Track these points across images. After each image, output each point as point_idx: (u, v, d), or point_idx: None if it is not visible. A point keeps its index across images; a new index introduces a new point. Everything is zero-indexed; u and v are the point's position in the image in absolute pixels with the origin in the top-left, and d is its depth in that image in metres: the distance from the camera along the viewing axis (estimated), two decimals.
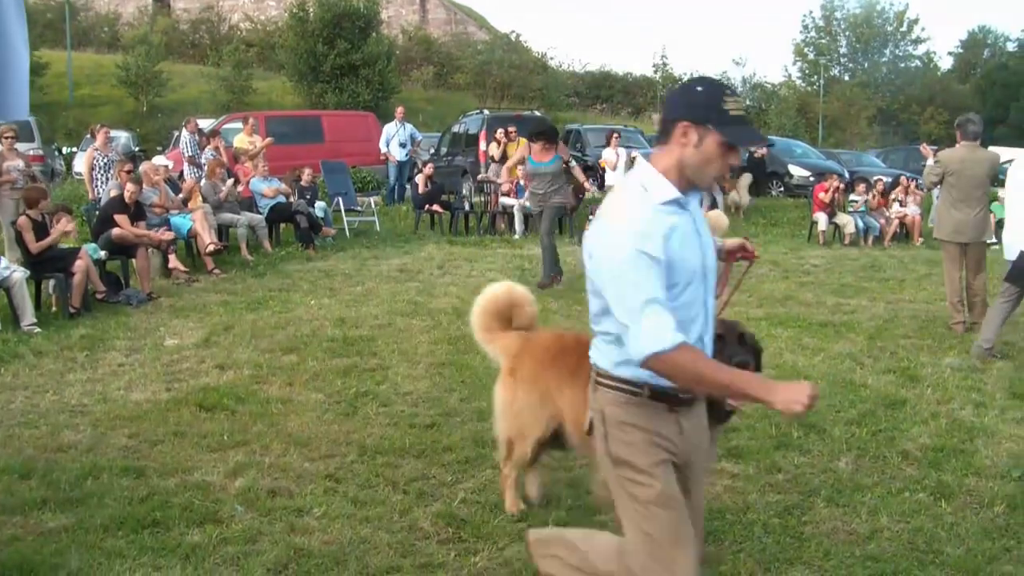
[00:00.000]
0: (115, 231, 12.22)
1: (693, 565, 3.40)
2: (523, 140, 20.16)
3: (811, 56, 67.09)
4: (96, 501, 5.36)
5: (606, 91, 63.26)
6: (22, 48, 4.05)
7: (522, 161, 14.85)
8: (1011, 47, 68.51)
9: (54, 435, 6.59)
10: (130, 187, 12.65)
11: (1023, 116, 57.67)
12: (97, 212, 13.48)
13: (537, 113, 28.72)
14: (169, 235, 12.99)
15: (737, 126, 3.30)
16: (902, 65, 66.58)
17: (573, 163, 16.77)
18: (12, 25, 3.97)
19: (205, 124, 23.82)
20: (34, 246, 10.84)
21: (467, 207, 20.03)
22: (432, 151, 27.52)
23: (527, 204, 18.50)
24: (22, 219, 11.01)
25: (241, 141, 18.93)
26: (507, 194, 18.81)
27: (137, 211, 12.71)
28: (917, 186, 21.70)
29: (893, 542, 5.04)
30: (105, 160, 15.70)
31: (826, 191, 19.02)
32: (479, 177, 21.16)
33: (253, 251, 15.25)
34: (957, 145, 10.54)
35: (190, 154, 18.46)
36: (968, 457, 6.32)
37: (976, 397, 7.74)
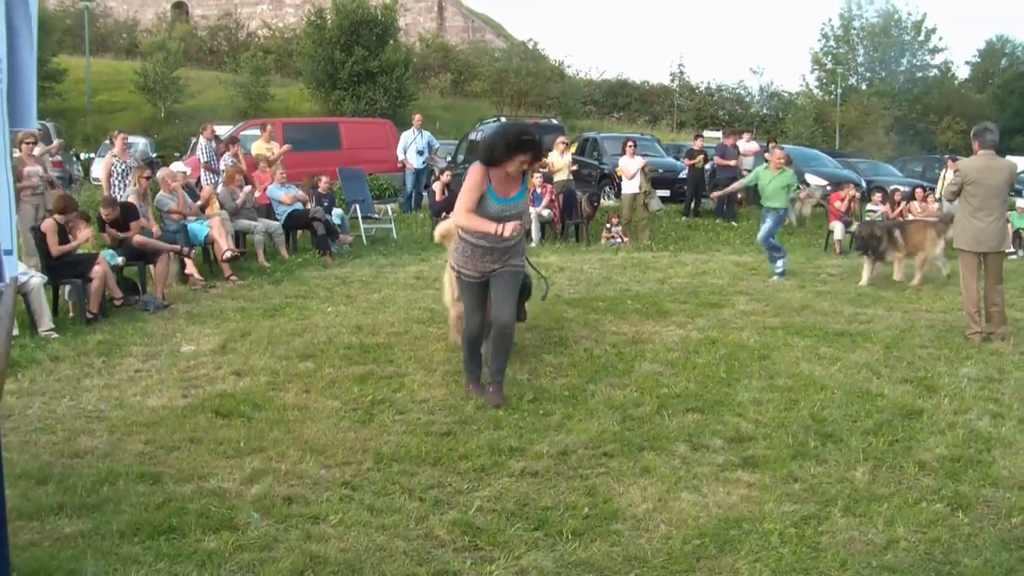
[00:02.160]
0: (136, 238, 12.27)
1: None
2: None
3: (829, 65, 66.95)
4: (112, 507, 5.37)
5: (623, 99, 63.34)
6: (29, 57, 4.06)
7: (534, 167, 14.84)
8: None
9: (70, 441, 6.61)
10: (104, 210, 12.62)
11: None
12: None
13: (554, 121, 28.71)
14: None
15: None
16: (919, 74, 66.37)
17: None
18: (21, 34, 3.98)
19: (222, 130, 23.90)
20: (56, 249, 10.88)
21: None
22: (449, 159, 27.54)
23: (544, 213, 18.55)
24: (48, 222, 11.06)
25: (259, 148, 19.00)
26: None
27: (130, 213, 12.70)
28: (935, 197, 21.68)
29: (910, 553, 5.02)
30: (123, 166, 15.79)
31: (842, 200, 18.98)
32: None
33: (270, 258, 15.29)
34: (975, 154, 10.52)
35: (206, 160, 18.52)
36: (986, 468, 6.30)
37: (993, 407, 7.70)
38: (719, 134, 26.19)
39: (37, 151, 15.15)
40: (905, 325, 11.06)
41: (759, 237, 15.50)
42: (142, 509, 5.35)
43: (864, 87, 65.30)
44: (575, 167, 21.94)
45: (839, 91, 62.16)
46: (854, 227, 18.85)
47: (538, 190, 18.58)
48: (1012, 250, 19.26)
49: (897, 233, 14.44)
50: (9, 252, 3.79)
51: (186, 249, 13.09)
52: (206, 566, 4.71)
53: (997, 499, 5.77)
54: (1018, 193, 23.84)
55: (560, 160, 20.41)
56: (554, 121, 28.54)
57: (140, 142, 33.18)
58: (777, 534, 5.19)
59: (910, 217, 19.76)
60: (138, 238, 12.26)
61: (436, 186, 19.85)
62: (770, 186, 15.13)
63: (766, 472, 6.16)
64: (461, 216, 7.28)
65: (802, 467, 6.26)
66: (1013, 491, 5.88)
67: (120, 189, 15.32)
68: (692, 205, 23.81)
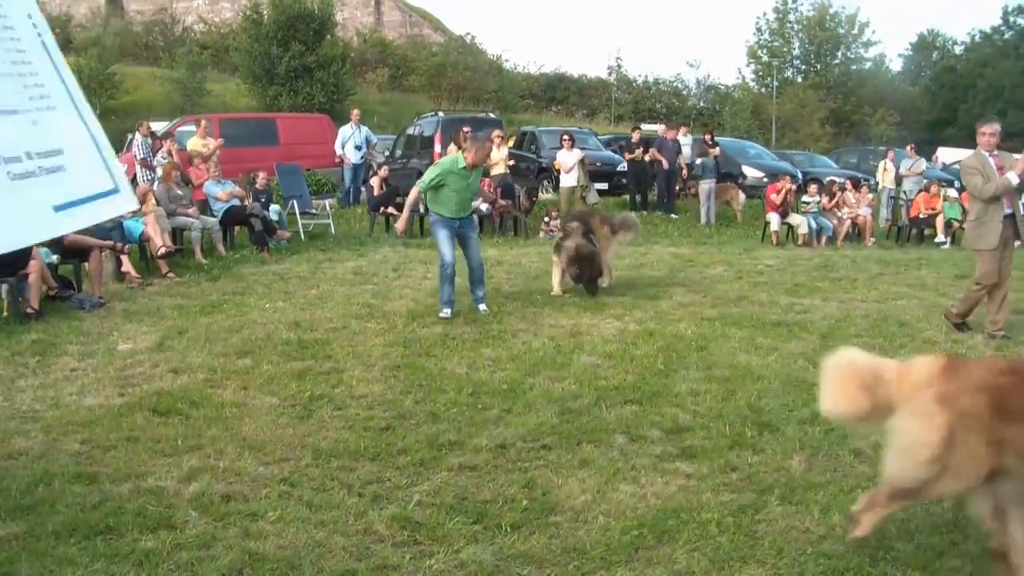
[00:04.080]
0: (68, 236, 12.08)
1: None
2: None
3: (764, 58, 67.48)
4: (48, 508, 5.30)
5: (561, 93, 63.39)
6: None
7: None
8: (959, 50, 69.46)
9: (4, 442, 6.51)
10: None
11: (971, 118, 58.35)
12: None
13: (492, 115, 28.71)
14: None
15: None
16: (854, 67, 67.10)
17: None
18: None
19: (159, 127, 23.66)
20: None
21: (422, 210, 19.97)
22: (387, 153, 27.48)
23: (482, 207, 18.55)
24: None
25: (195, 144, 18.84)
26: None
27: None
28: (869, 187, 22.02)
29: (845, 539, 5.09)
30: None
31: (778, 192, 19.16)
32: None
33: (207, 254, 15.16)
34: None
35: (142, 157, 18.36)
36: None
37: None
38: (656, 127, 26.29)
39: None
40: (841, 315, 11.19)
41: (476, 264, 11.24)
42: (78, 509, 5.30)
43: (800, 80, 65.92)
44: (512, 161, 21.92)
45: (775, 84, 62.70)
46: (789, 218, 19.12)
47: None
48: (943, 239, 19.65)
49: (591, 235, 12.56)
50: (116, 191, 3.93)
51: (119, 244, 12.91)
52: (144, 566, 4.67)
53: None
54: (950, 184, 24.27)
55: (497, 154, 20.40)
56: (492, 115, 28.55)
57: None
58: (715, 523, 5.24)
59: (846, 209, 20.06)
60: (69, 236, 12.07)
61: (374, 181, 19.79)
62: (471, 188, 11.27)
63: (704, 462, 6.22)
64: None
65: (739, 457, 6.32)
66: None
67: None
68: (637, 198, 23.87)
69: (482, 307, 11.12)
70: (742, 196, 22.67)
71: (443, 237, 10.97)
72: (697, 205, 22.85)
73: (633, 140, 24.04)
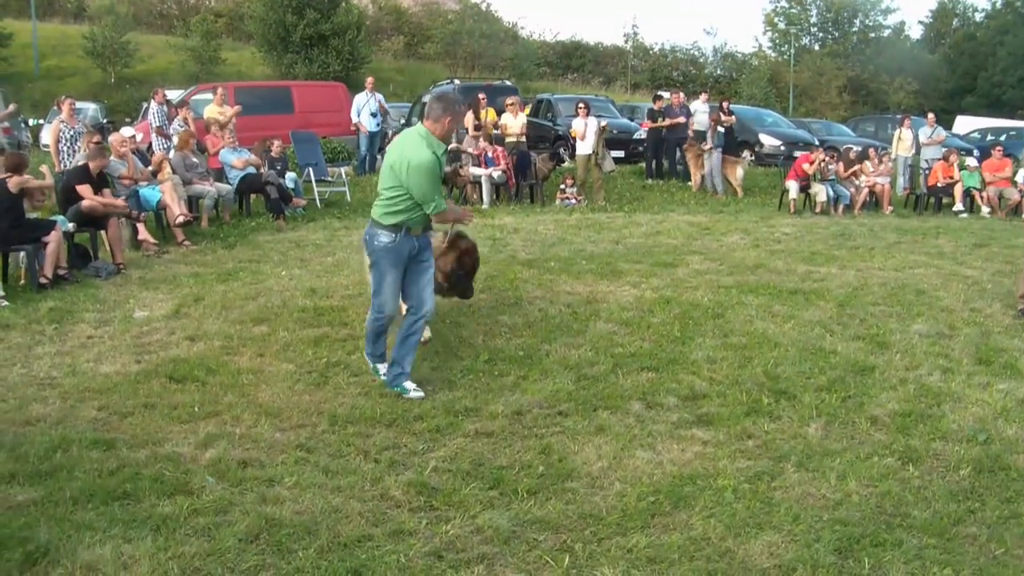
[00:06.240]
0: (84, 202, 12.10)
1: None
2: (491, 109, 20.24)
3: (781, 26, 67.14)
4: (65, 474, 5.33)
5: (577, 60, 63.22)
6: None
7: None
8: (979, 17, 68.92)
9: (22, 408, 6.54)
10: (96, 159, 12.48)
11: (991, 86, 58.05)
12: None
13: (508, 83, 28.60)
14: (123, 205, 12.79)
15: None
16: (872, 35, 66.72)
17: None
18: None
19: (174, 95, 23.62)
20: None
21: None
22: (402, 121, 27.39)
23: (495, 174, 18.52)
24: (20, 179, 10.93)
25: (211, 111, 18.78)
26: (476, 164, 18.74)
27: (100, 181, 12.54)
28: (890, 156, 21.84)
29: (861, 506, 5.09)
30: (71, 132, 15.56)
31: (811, 163, 18.93)
32: (449, 147, 21.08)
33: (219, 222, 15.18)
34: None
35: (158, 125, 18.34)
36: (935, 422, 6.39)
37: (943, 363, 7.80)
38: (664, 94, 26.00)
39: None
40: (858, 283, 11.14)
41: (428, 309, 7.11)
42: (96, 475, 5.32)
43: (817, 47, 65.59)
44: (526, 130, 21.78)
45: (792, 52, 62.39)
46: (812, 188, 18.97)
47: (489, 153, 18.55)
48: (961, 208, 19.49)
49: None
50: None
51: (135, 212, 12.92)
52: (161, 531, 4.69)
53: (946, 452, 5.86)
54: (968, 152, 24.03)
55: (513, 121, 20.33)
56: (508, 83, 28.43)
57: (90, 108, 32.82)
58: (731, 490, 5.24)
59: (864, 177, 19.91)
60: (86, 203, 12.08)
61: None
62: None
63: (720, 429, 6.22)
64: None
65: (756, 424, 6.32)
66: (961, 444, 5.98)
67: (68, 155, 15.10)
68: (654, 166, 23.71)
69: (400, 382, 6.97)
70: (740, 171, 22.37)
71: (392, 279, 6.95)
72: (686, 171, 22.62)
73: (655, 108, 23.83)
